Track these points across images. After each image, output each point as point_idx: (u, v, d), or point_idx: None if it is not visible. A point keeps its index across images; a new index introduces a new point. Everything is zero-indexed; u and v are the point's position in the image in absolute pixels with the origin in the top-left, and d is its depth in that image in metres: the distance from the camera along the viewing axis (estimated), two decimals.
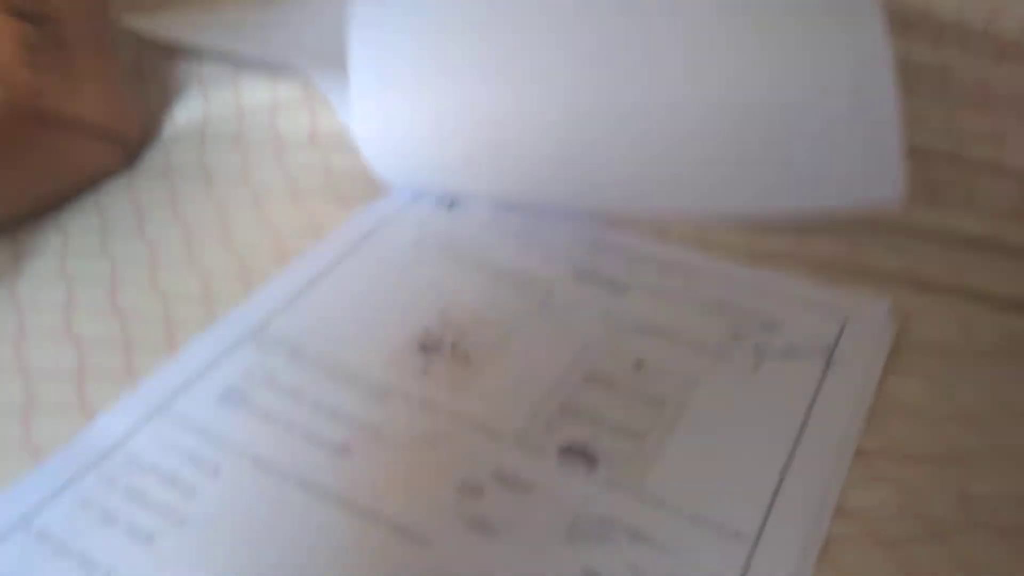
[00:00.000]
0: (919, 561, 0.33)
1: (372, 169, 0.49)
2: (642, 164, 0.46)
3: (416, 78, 0.47)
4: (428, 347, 0.41)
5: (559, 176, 0.47)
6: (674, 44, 0.45)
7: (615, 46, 0.45)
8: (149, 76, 0.57)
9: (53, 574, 0.32)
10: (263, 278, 0.45)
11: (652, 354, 0.41)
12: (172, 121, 0.55)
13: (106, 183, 0.51)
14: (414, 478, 0.36)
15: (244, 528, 0.34)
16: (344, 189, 0.51)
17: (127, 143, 0.52)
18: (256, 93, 0.55)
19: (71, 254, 0.45)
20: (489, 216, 0.49)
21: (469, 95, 0.46)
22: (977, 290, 0.45)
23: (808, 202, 0.46)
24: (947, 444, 0.38)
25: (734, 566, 0.33)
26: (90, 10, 0.50)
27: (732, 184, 0.46)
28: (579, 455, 0.37)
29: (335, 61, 0.48)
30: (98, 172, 0.51)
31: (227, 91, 0.55)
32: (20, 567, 0.32)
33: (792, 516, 0.34)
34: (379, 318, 0.43)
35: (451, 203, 0.50)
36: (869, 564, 0.33)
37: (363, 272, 0.46)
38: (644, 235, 0.48)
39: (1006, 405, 0.40)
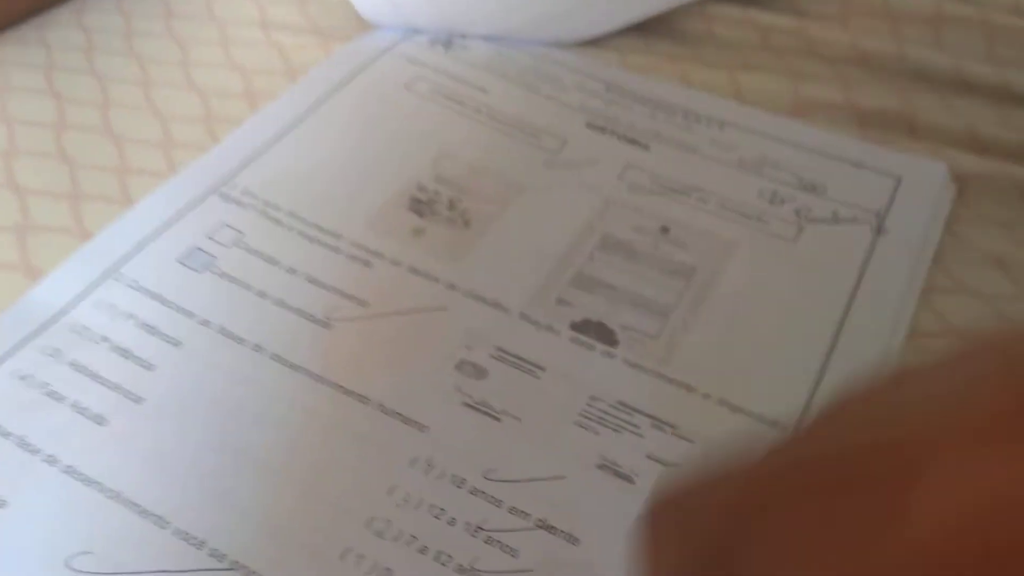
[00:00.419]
0: None
1: (356, 5, 0.43)
2: None
3: None
4: (421, 205, 0.37)
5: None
6: None
7: None
8: None
9: None
10: (230, 124, 0.39)
11: (679, 218, 0.37)
12: None
13: (51, 12, 0.45)
14: (406, 356, 0.32)
15: (211, 406, 0.30)
16: (323, 23, 0.44)
17: None
18: None
19: (12, 89, 0.40)
20: (491, 56, 0.43)
21: None
22: None
23: None
24: (1012, 328, 0.34)
25: None
26: None
27: None
28: (595, 332, 0.32)
29: None
30: None
31: None
32: None
33: None
34: (363, 170, 0.38)
35: (447, 41, 0.44)
36: None
37: (345, 118, 0.40)
38: (666, 80, 0.43)
39: None
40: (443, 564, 0.26)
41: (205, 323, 0.32)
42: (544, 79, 0.42)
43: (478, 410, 0.30)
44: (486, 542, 0.26)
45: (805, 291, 0.34)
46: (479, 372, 0.31)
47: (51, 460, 0.28)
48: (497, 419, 0.30)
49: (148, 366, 0.31)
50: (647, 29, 0.44)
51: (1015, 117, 0.42)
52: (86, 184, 0.36)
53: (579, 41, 0.44)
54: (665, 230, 0.36)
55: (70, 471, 0.28)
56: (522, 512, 0.27)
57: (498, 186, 0.38)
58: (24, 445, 0.28)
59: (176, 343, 0.31)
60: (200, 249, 0.34)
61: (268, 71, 0.42)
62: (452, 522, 0.27)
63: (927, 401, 0.16)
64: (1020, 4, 0.46)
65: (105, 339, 0.31)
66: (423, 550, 0.26)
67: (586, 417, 0.30)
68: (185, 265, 0.34)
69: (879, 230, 0.36)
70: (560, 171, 0.38)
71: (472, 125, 0.40)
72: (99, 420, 0.29)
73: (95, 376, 0.30)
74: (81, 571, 0.26)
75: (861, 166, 0.39)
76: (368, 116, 0.40)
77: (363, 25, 0.44)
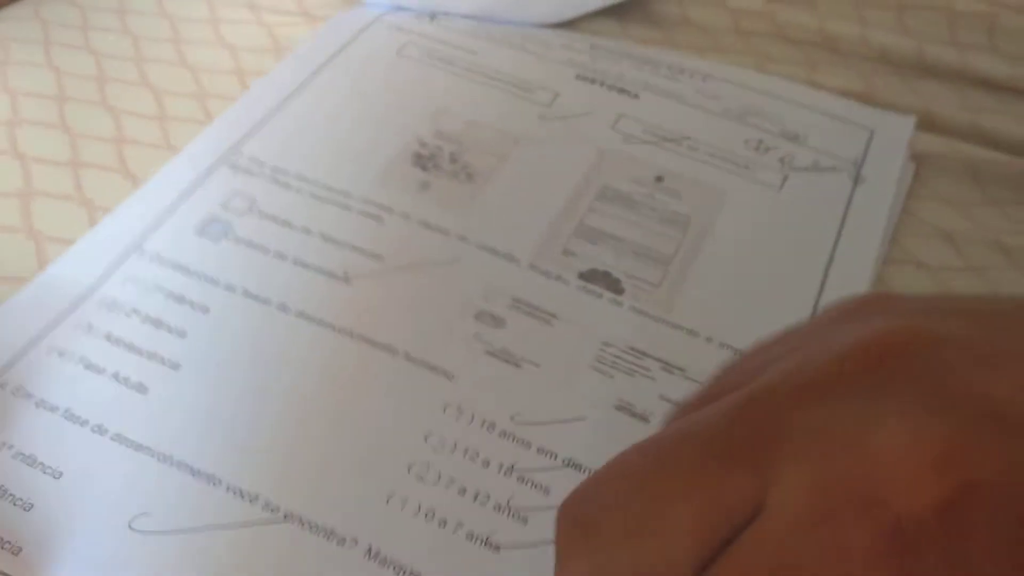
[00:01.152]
0: None
1: None
2: None
3: None
4: (424, 160, 0.39)
5: None
6: None
7: None
8: None
9: (37, 433, 0.30)
10: (221, 100, 0.41)
11: (672, 167, 0.39)
12: None
13: None
14: (426, 307, 0.34)
15: (246, 366, 0.32)
16: (309, 3, 0.46)
17: None
18: None
19: (13, 63, 0.41)
20: (476, 24, 0.45)
21: None
22: (991, 134, 0.44)
23: None
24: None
25: None
26: None
27: None
28: (602, 281, 0.35)
29: None
30: None
31: None
32: None
33: None
34: (365, 130, 0.40)
35: (432, 16, 0.46)
36: None
37: (341, 84, 0.42)
38: (645, 43, 0.45)
39: (1011, 253, 0.39)
40: (482, 504, 0.29)
41: (230, 288, 0.34)
42: (529, 40, 0.44)
43: (499, 357, 0.32)
44: (519, 481, 0.29)
45: (793, 238, 0.37)
46: (497, 321, 0.34)
47: (99, 430, 0.30)
48: (518, 366, 0.32)
49: (180, 333, 0.33)
50: (623, 12, 0.46)
51: (972, 99, 0.45)
52: (86, 153, 0.38)
53: (555, 22, 0.46)
54: (660, 179, 0.39)
55: (119, 438, 0.30)
56: (550, 452, 0.30)
57: (495, 139, 0.40)
58: (71, 417, 0.30)
59: (204, 309, 0.33)
60: (216, 219, 0.36)
61: (257, 49, 0.44)
62: (486, 464, 0.30)
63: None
64: None
65: (136, 311, 0.33)
66: (462, 491, 0.29)
67: (601, 362, 0.33)
68: (203, 235, 0.36)
69: (857, 179, 0.39)
70: (555, 122, 0.41)
71: (465, 83, 0.42)
72: (140, 388, 0.31)
73: (130, 347, 0.32)
74: (144, 531, 0.28)
75: (836, 118, 0.42)
76: (364, 80, 0.42)
77: (347, 6, 0.46)
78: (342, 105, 0.41)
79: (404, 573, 0.27)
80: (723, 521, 0.18)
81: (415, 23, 0.45)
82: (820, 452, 0.18)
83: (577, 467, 0.30)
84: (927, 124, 0.43)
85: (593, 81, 0.43)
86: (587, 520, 0.20)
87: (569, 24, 0.46)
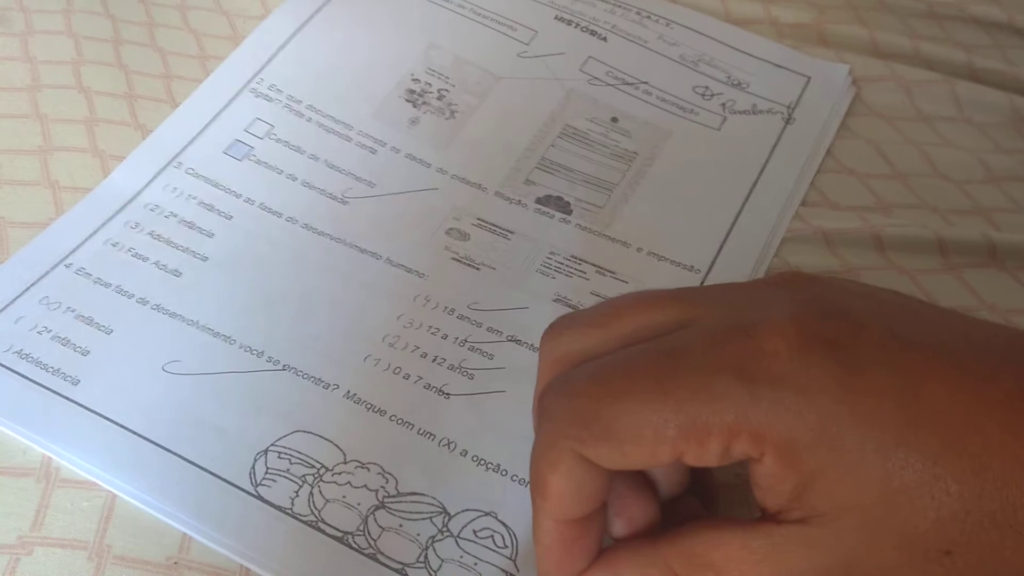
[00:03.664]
0: None
1: None
2: None
3: None
4: (415, 96, 0.47)
5: None
6: None
7: None
8: None
9: (94, 301, 0.39)
10: None
11: (627, 109, 0.48)
12: None
13: None
14: (407, 225, 0.43)
15: (259, 264, 0.41)
16: None
17: None
18: None
19: (75, 11, 0.51)
20: None
21: None
22: (930, 58, 0.51)
23: None
24: (873, 198, 0.45)
25: None
26: None
27: None
28: (554, 204, 0.44)
29: None
30: None
31: None
32: (64, 296, 0.39)
33: (739, 255, 0.42)
34: (366, 62, 0.48)
35: None
36: None
37: (348, 14, 0.50)
38: None
39: (936, 166, 0.47)
40: (439, 364, 0.38)
41: (249, 201, 0.43)
42: None
43: (463, 263, 0.42)
44: (470, 350, 0.38)
45: (723, 169, 0.46)
46: (463, 235, 0.43)
47: (142, 301, 0.39)
48: (477, 269, 0.41)
49: (209, 234, 0.42)
50: None
51: (917, 27, 0.53)
52: (139, 87, 0.47)
53: None
54: (615, 120, 0.47)
55: (158, 308, 0.39)
56: (497, 331, 0.39)
57: (478, 76, 0.48)
58: (121, 292, 0.40)
59: (228, 216, 0.43)
60: (240, 141, 0.45)
61: None
62: (445, 337, 0.39)
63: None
64: None
65: (173, 214, 0.43)
66: (424, 355, 0.38)
67: (546, 267, 0.42)
68: (229, 155, 0.45)
69: (788, 120, 0.47)
70: (531, 61, 0.49)
71: (457, 19, 0.51)
72: (176, 273, 0.41)
73: (169, 242, 0.42)
74: (173, 373, 0.37)
75: (779, 66, 0.50)
76: (368, 11, 0.51)
77: None
78: (350, 32, 0.50)
79: (373, 409, 0.37)
80: (658, 326, 0.28)
81: None
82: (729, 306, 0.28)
83: (518, 342, 0.39)
84: (871, 51, 0.51)
85: (569, 22, 0.51)
86: (559, 326, 0.31)
87: None
